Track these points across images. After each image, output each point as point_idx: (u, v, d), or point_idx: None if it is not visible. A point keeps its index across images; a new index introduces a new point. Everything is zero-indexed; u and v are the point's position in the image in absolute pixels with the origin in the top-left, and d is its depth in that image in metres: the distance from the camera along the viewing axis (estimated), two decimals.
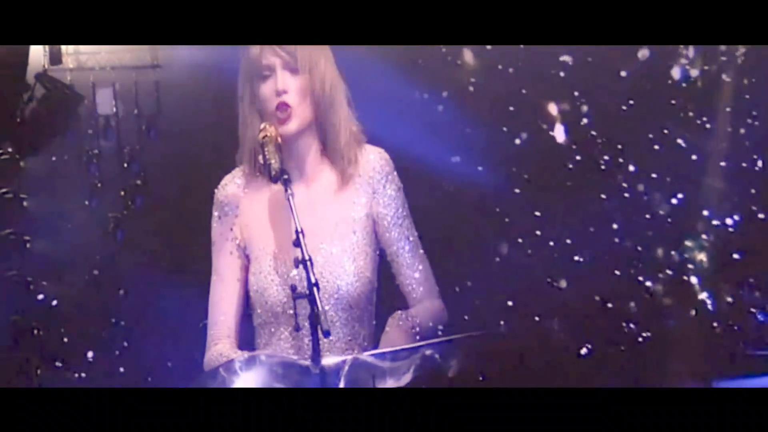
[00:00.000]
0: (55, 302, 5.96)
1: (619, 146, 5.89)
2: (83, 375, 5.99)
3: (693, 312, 5.75)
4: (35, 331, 5.93)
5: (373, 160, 3.74)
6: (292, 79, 3.64)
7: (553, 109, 5.87)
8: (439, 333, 3.56)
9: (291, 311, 3.58)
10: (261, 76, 3.66)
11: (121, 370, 6.03)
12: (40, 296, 5.91)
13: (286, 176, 3.50)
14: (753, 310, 5.71)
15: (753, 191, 5.79)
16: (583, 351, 5.70)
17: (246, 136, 3.72)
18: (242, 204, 3.74)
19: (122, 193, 5.99)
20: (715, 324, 5.75)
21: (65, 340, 6.01)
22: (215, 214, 3.77)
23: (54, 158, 5.96)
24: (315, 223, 3.49)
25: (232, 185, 3.76)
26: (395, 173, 3.76)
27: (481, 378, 3.35)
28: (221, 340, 3.69)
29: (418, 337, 3.55)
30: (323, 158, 3.70)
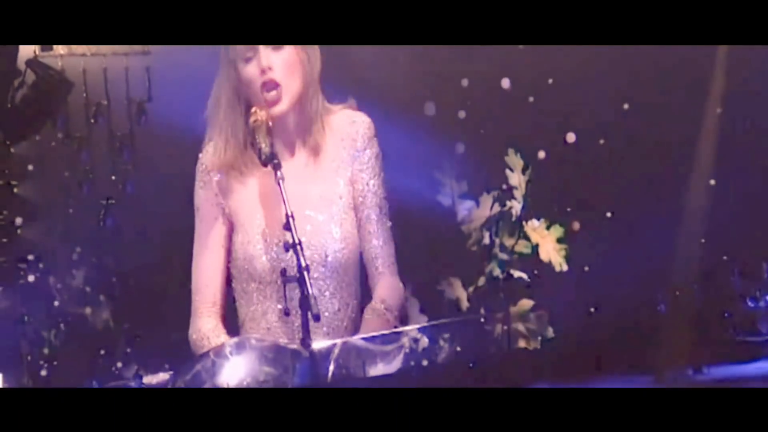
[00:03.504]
0: (45, 289, 5.96)
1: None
2: (74, 365, 5.99)
3: (683, 298, 5.77)
4: (25, 318, 5.92)
5: (356, 124, 3.72)
6: (275, 54, 3.60)
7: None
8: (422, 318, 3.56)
9: (278, 282, 3.57)
10: (244, 58, 3.61)
11: (110, 359, 6.04)
12: (31, 283, 5.90)
13: (276, 161, 3.48)
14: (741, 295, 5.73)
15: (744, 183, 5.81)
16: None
17: (226, 121, 3.67)
18: (227, 170, 3.71)
19: (113, 179, 6.01)
20: (705, 310, 5.76)
21: (56, 328, 6.01)
22: (199, 179, 3.73)
23: (44, 144, 5.96)
24: (300, 191, 3.47)
25: (217, 151, 3.73)
26: (375, 140, 3.74)
27: (471, 365, 3.35)
28: (206, 311, 3.67)
29: (396, 325, 3.56)
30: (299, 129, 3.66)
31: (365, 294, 3.72)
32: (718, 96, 5.85)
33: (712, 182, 5.79)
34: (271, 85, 3.58)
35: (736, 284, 5.73)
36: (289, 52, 3.59)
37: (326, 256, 3.59)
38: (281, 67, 3.58)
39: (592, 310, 5.83)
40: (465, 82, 5.94)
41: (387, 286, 3.68)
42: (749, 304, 5.70)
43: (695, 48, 5.24)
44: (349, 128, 3.69)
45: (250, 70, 3.59)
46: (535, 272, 5.94)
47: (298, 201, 3.43)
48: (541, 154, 5.95)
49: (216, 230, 3.68)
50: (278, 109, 3.58)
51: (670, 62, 5.81)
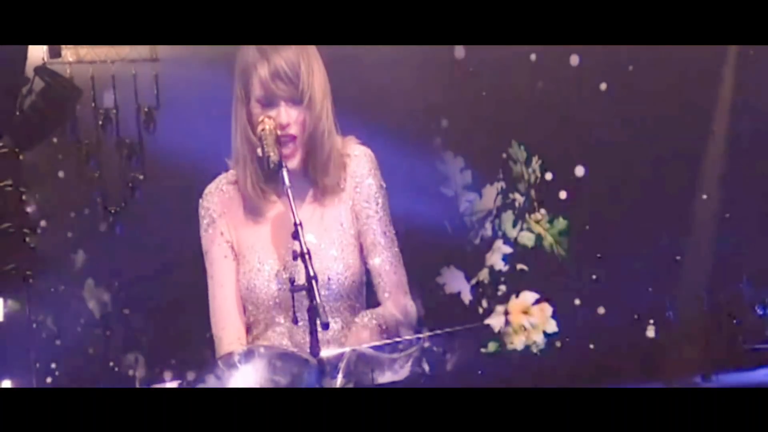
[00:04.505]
0: (53, 296, 5.96)
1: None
2: (82, 371, 5.99)
3: (692, 305, 5.76)
4: (34, 326, 5.93)
5: (358, 156, 3.73)
6: (294, 110, 3.62)
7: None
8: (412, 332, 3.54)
9: (282, 304, 3.58)
10: (261, 102, 3.62)
11: (118, 366, 6.04)
12: (39, 290, 5.90)
13: (285, 169, 3.48)
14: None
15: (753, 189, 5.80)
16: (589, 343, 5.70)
17: (237, 148, 3.69)
18: (229, 207, 3.73)
19: (121, 185, 6.02)
20: (714, 318, 5.75)
21: (64, 335, 6.01)
22: (203, 223, 3.75)
23: (53, 151, 5.97)
24: (302, 217, 3.47)
25: (216, 192, 3.75)
26: (378, 171, 3.75)
27: (480, 372, 3.35)
28: (232, 345, 3.67)
29: (385, 335, 3.55)
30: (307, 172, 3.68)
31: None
32: (728, 99, 5.84)
33: (721, 189, 5.79)
34: (288, 139, 3.60)
35: (745, 292, 5.72)
36: (304, 109, 3.60)
37: (329, 280, 3.60)
38: (297, 123, 3.60)
39: (593, 277, 5.81)
40: (472, 75, 5.95)
41: (391, 306, 3.68)
42: (758, 311, 5.69)
43: (705, 48, 5.24)
44: (350, 162, 3.70)
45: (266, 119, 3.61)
46: (532, 247, 5.93)
47: (301, 223, 3.43)
48: (549, 150, 5.95)
49: (227, 267, 3.70)
50: (292, 164, 3.60)
51: (680, 63, 5.80)
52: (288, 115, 3.60)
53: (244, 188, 3.68)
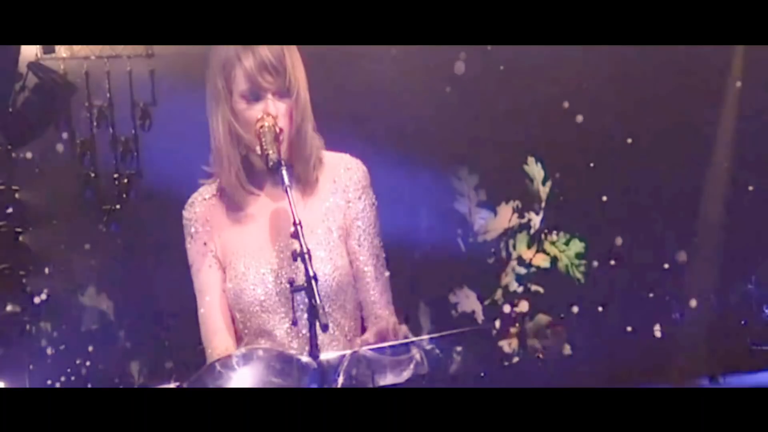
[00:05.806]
0: (46, 297, 5.94)
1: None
2: (79, 372, 5.98)
3: (695, 306, 5.74)
4: (27, 327, 5.90)
5: (351, 170, 3.68)
6: (281, 103, 3.58)
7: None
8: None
9: (271, 309, 3.53)
10: (246, 96, 3.58)
11: (115, 366, 6.02)
12: (32, 291, 5.89)
13: (284, 167, 3.43)
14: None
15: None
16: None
17: (219, 148, 3.63)
18: (212, 216, 3.68)
19: (117, 183, 5.99)
20: (721, 319, 5.74)
21: (58, 335, 6.00)
22: (187, 234, 3.71)
23: (47, 148, 5.94)
24: (288, 220, 3.42)
25: (199, 201, 3.71)
26: (371, 189, 3.71)
27: (482, 374, 3.29)
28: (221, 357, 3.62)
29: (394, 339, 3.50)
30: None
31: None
32: (736, 102, 5.83)
33: (729, 191, 5.77)
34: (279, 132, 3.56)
35: (753, 292, 5.72)
36: (290, 102, 3.56)
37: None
38: (283, 115, 3.55)
39: (600, 309, 5.79)
40: (488, 88, 5.92)
41: (386, 323, 3.64)
42: (766, 312, 5.69)
43: (713, 48, 5.21)
44: (343, 173, 3.67)
45: (253, 113, 3.56)
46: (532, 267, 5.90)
47: (287, 226, 3.39)
48: (563, 166, 5.91)
49: (212, 278, 3.66)
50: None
51: (689, 66, 5.77)
52: (276, 107, 3.55)
53: (228, 186, 3.62)
